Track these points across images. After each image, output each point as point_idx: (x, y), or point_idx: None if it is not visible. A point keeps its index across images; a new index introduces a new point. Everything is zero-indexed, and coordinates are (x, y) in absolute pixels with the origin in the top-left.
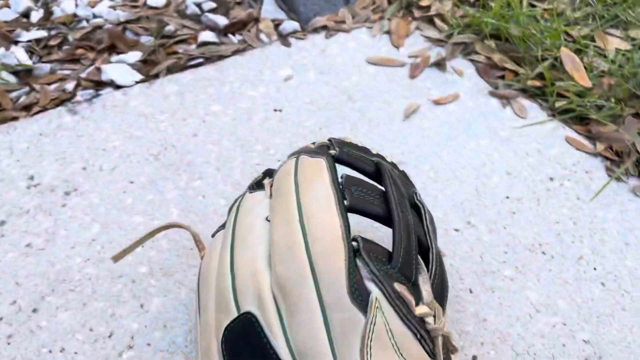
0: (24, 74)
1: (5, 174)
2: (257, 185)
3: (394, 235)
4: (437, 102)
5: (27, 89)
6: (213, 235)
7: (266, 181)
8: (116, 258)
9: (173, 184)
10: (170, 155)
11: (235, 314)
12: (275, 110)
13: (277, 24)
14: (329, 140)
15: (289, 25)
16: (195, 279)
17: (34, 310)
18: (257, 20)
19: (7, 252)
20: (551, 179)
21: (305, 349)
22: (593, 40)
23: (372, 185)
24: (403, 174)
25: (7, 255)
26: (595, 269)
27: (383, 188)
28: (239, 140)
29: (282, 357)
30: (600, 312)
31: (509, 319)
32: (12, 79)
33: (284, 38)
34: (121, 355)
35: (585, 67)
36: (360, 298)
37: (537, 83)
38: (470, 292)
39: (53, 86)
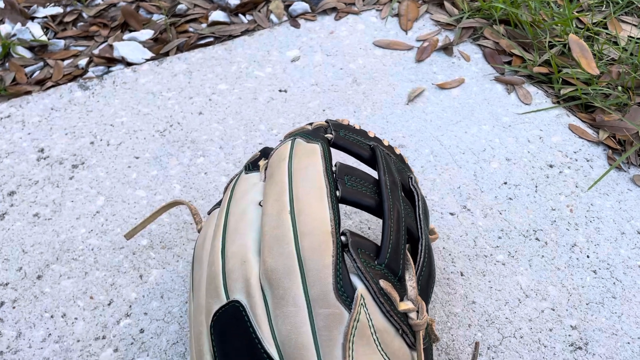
0: (39, 50)
1: (17, 147)
2: (252, 166)
3: (383, 229)
4: (441, 87)
5: (41, 64)
6: (209, 213)
7: (262, 162)
8: (128, 235)
9: (177, 161)
10: (176, 132)
11: (224, 301)
12: (280, 90)
13: (287, 5)
14: (327, 122)
15: (299, 6)
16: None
17: (39, 277)
18: (267, 0)
19: (16, 220)
20: (551, 166)
21: (289, 341)
22: (605, 27)
23: (366, 174)
24: (400, 157)
25: (15, 224)
26: (588, 256)
27: (377, 176)
28: (243, 120)
29: (267, 347)
30: (590, 300)
31: (498, 302)
32: (27, 54)
33: (293, 19)
34: (119, 322)
35: (594, 55)
36: (345, 295)
37: (544, 70)
38: (462, 275)
39: (66, 62)
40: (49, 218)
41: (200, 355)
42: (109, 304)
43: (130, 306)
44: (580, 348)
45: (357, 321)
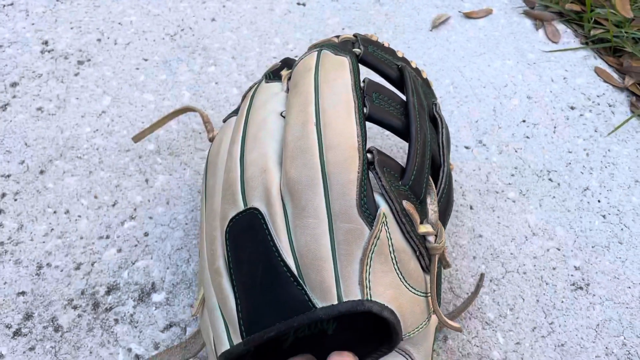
0: None
1: (20, 37)
2: (273, 75)
3: (409, 151)
4: (468, 16)
5: None
6: (225, 121)
7: (284, 72)
8: (136, 138)
9: (187, 67)
10: (187, 37)
11: (241, 207)
12: (298, 3)
13: None
14: (355, 36)
15: None
16: (201, 163)
17: (42, 172)
18: None
19: (18, 112)
20: (572, 108)
21: (308, 252)
22: None
23: (394, 93)
24: (426, 82)
25: (18, 116)
26: (599, 201)
27: (404, 97)
28: (257, 31)
29: (284, 256)
30: (596, 243)
31: (505, 238)
32: None
33: None
34: (123, 224)
35: None
36: (367, 212)
37: (576, 7)
38: (471, 208)
39: None
40: (52, 113)
41: (214, 259)
42: (113, 205)
43: (135, 209)
44: (581, 288)
45: (378, 238)
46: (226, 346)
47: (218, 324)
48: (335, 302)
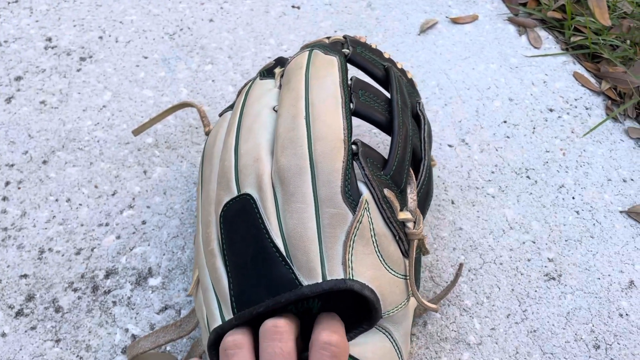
0: None
1: (24, 33)
2: (267, 72)
3: (391, 144)
4: (455, 21)
5: None
6: (221, 115)
7: (277, 70)
8: (136, 132)
9: (185, 65)
10: (185, 36)
11: (235, 193)
12: (293, 6)
13: None
14: (344, 37)
15: None
16: (197, 156)
17: (44, 162)
18: None
19: (22, 105)
20: (551, 110)
21: (295, 234)
22: None
23: (379, 91)
24: (411, 82)
25: (22, 109)
26: (573, 198)
27: (389, 95)
28: (253, 32)
29: (274, 238)
30: (569, 237)
31: (483, 231)
32: None
33: None
34: (122, 212)
35: (609, 6)
36: (351, 198)
37: (557, 15)
38: (452, 203)
39: None
40: (55, 107)
41: (209, 241)
42: (112, 194)
43: (134, 199)
44: (553, 279)
45: (360, 222)
46: (218, 322)
47: (211, 301)
48: (320, 281)
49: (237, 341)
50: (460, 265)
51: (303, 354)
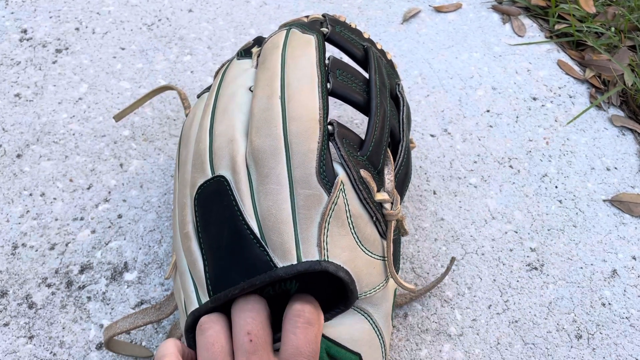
0: None
1: None
2: (245, 52)
3: (369, 124)
4: (438, 10)
5: None
6: (199, 96)
7: (255, 50)
8: (117, 117)
9: (163, 56)
10: (164, 27)
11: (209, 176)
12: None
13: None
14: (323, 15)
15: None
16: (175, 149)
17: (18, 156)
18: None
19: None
20: (534, 98)
21: (270, 215)
22: None
23: (357, 71)
24: (390, 63)
25: None
26: (556, 187)
27: (367, 75)
28: (233, 22)
29: (247, 220)
30: (552, 226)
31: (465, 221)
32: None
33: None
34: (97, 206)
35: None
36: (326, 179)
37: (542, 3)
38: (434, 193)
39: None
40: (30, 100)
41: (184, 224)
42: (88, 188)
43: (110, 192)
44: (536, 268)
45: (335, 204)
46: (195, 305)
47: (188, 285)
48: (295, 262)
49: (212, 317)
50: (452, 259)
51: (277, 334)
